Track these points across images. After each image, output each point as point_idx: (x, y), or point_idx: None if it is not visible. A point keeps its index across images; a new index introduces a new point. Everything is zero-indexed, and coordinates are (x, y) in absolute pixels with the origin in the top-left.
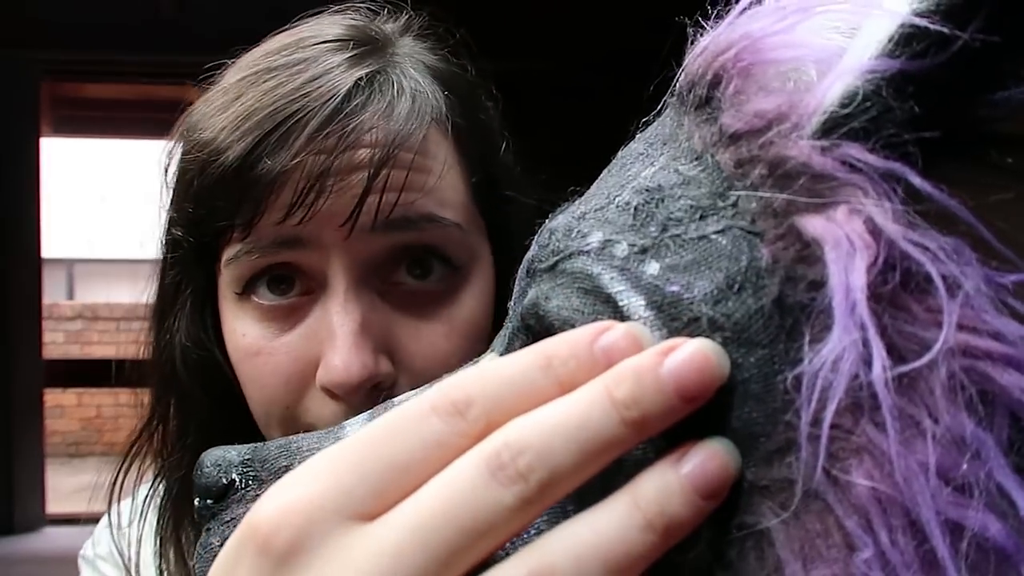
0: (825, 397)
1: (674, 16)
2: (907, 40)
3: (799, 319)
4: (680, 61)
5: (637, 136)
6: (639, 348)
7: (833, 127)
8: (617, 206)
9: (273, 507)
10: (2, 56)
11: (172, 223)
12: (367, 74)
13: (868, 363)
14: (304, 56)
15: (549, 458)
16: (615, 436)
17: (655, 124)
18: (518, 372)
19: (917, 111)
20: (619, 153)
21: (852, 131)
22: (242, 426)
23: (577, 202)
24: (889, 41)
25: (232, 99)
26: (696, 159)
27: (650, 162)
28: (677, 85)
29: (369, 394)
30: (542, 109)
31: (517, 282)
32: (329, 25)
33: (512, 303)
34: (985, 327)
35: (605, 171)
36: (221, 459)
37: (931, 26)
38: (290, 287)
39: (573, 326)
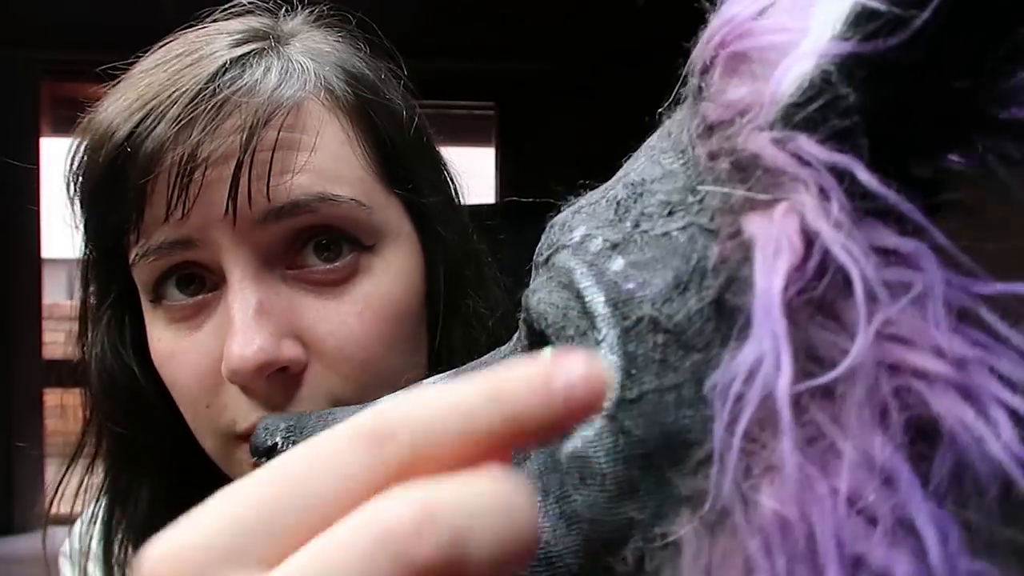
0: (739, 409)
1: (673, 17)
2: (858, 20)
3: (734, 323)
4: (679, 65)
5: (655, 134)
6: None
7: (788, 117)
8: (607, 200)
9: (159, 551)
10: (2, 56)
11: (83, 238)
12: (239, 55)
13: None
14: (198, 43)
15: (467, 538)
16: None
17: (673, 116)
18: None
19: (867, 99)
20: (644, 144)
21: (803, 120)
22: (170, 452)
23: (577, 202)
24: (843, 21)
25: (129, 87)
26: (681, 152)
27: (652, 156)
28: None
29: (277, 381)
30: (542, 109)
31: (532, 274)
32: (231, 23)
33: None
34: (925, 341)
35: (625, 164)
36: (271, 424)
37: (883, 6)
38: (200, 286)
39: (547, 320)
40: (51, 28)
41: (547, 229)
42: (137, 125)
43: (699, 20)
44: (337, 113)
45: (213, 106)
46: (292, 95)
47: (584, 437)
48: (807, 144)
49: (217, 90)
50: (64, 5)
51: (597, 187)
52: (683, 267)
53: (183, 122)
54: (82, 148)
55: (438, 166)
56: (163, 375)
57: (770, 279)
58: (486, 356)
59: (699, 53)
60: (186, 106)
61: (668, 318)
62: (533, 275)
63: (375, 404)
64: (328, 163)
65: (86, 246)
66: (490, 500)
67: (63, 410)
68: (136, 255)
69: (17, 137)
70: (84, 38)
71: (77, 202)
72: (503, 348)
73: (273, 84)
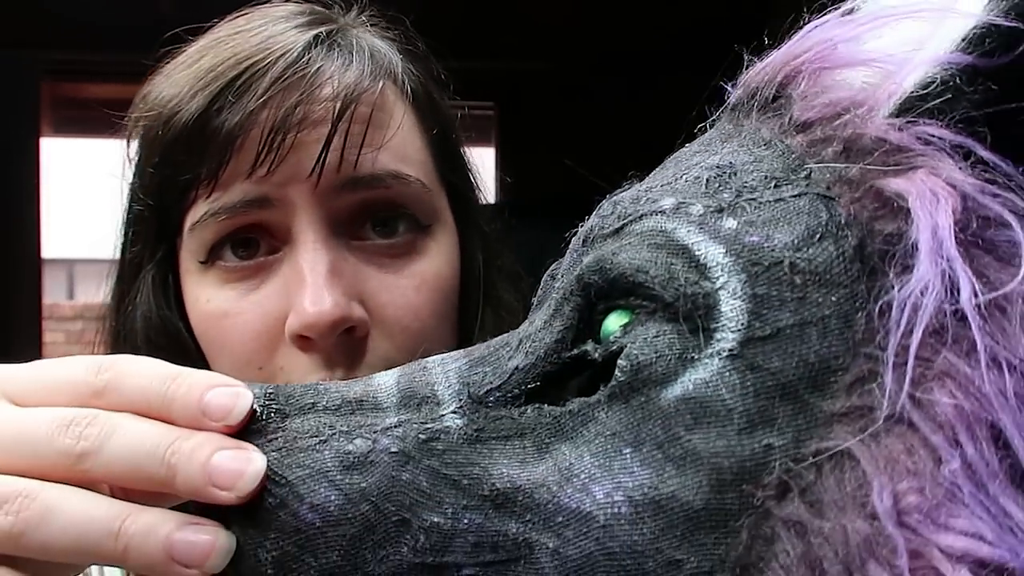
0: (912, 325)
1: (672, 18)
2: (979, 39)
3: (878, 264)
4: (678, 65)
5: (687, 146)
6: (228, 413)
7: (909, 108)
8: (686, 180)
9: None
10: (2, 56)
11: (134, 197)
12: (324, 31)
13: (953, 293)
14: (262, 23)
15: (105, 444)
16: (155, 473)
17: (708, 132)
18: (153, 376)
19: (989, 95)
20: (673, 156)
21: (927, 111)
22: None
23: (633, 184)
24: (963, 40)
25: (192, 63)
26: (765, 145)
27: (712, 152)
28: (734, 98)
29: (344, 342)
30: (542, 109)
31: (567, 255)
32: (285, 7)
33: (558, 275)
34: None
35: (658, 168)
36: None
37: (1002, 23)
38: (255, 250)
39: (647, 273)
40: (51, 28)
41: (602, 209)
42: (227, 86)
43: (698, 21)
44: (405, 99)
45: (310, 73)
46: (377, 76)
47: (695, 380)
48: (932, 129)
49: (312, 60)
50: (64, 5)
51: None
52: (814, 222)
53: (282, 85)
54: (147, 112)
55: (470, 164)
56: (210, 336)
57: (936, 218)
58: (506, 335)
59: (773, 72)
60: (284, 70)
61: (807, 261)
62: (582, 251)
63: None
64: (401, 144)
65: (137, 204)
66: (134, 437)
67: None
68: (205, 213)
69: (17, 137)
70: (84, 38)
71: (134, 161)
72: (525, 327)
73: (362, 62)
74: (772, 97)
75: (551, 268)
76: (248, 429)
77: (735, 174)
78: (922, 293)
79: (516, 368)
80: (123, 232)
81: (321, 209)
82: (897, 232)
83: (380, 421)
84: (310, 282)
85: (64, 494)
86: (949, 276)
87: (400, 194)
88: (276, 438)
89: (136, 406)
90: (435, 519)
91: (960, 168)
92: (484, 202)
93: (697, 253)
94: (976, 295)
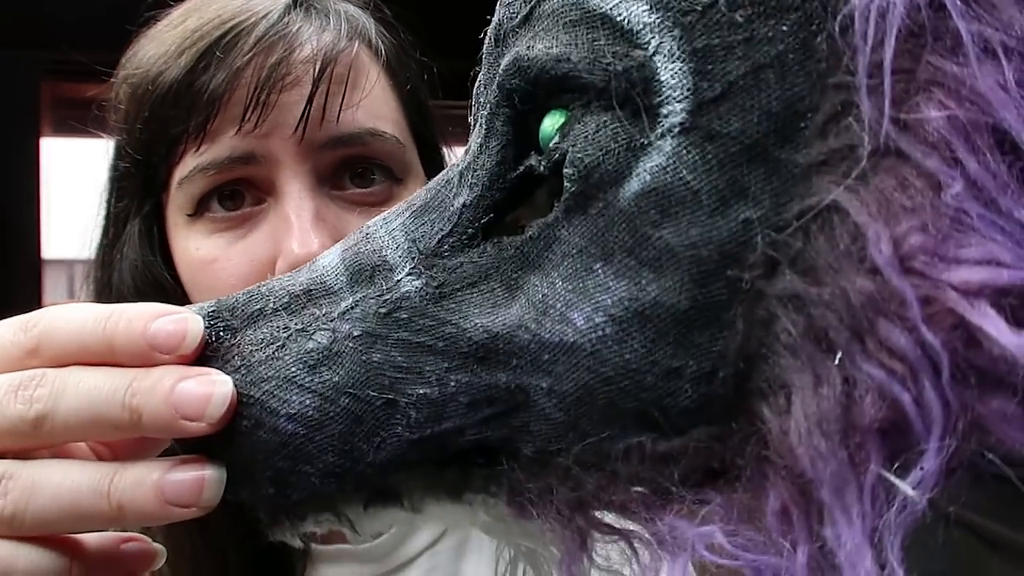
0: (882, 33)
1: None
2: None
3: None
4: None
5: None
6: (180, 342)
7: None
8: None
9: None
10: (3, 56)
11: (120, 154)
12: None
13: None
14: None
15: (59, 402)
16: (117, 419)
17: None
18: (86, 319)
19: None
20: None
21: None
22: None
23: None
24: None
25: (178, 24)
26: None
27: None
28: None
29: None
30: None
31: (483, 64)
32: None
33: (481, 89)
34: None
35: None
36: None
37: None
38: (241, 202)
39: (569, 60)
40: (51, 28)
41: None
42: (212, 44)
43: None
44: (377, 60)
45: (290, 34)
46: (353, 38)
47: (651, 168)
48: None
49: (291, 22)
50: (65, 5)
51: None
52: None
53: (265, 44)
54: (134, 71)
55: (439, 132)
56: (199, 283)
57: None
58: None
59: None
60: (266, 30)
61: None
62: (497, 52)
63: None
64: (377, 103)
65: (123, 161)
66: (89, 381)
67: None
68: (194, 168)
69: (17, 137)
70: (84, 38)
71: (123, 125)
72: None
73: (338, 25)
74: None
75: (479, 79)
76: (202, 356)
77: None
78: None
79: (464, 205)
80: (108, 188)
81: (305, 163)
82: None
83: (335, 307)
84: (297, 227)
85: (44, 468)
86: None
87: (377, 150)
88: (232, 357)
89: (76, 355)
90: (421, 391)
91: None
92: None
93: (619, 19)
94: None
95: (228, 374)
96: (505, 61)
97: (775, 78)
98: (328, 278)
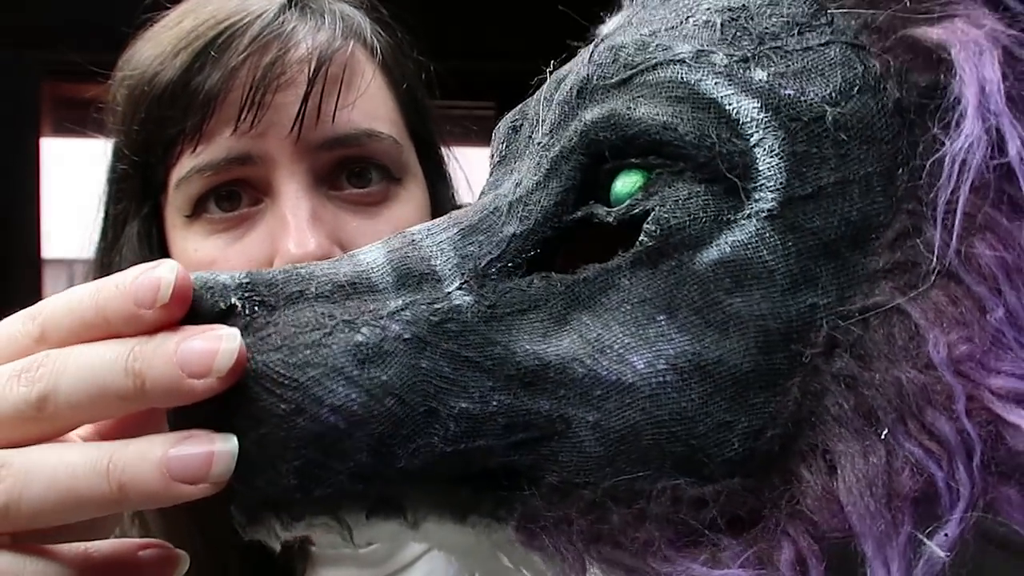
0: (960, 181)
1: None
2: None
3: (917, 118)
4: None
5: None
6: (155, 292)
7: None
8: (695, 25)
9: None
10: (3, 56)
11: (118, 156)
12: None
13: (998, 149)
14: None
15: (61, 378)
16: (122, 387)
17: None
18: (81, 296)
19: None
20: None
21: None
22: None
23: (626, 28)
24: None
25: (174, 25)
26: None
27: None
28: None
29: None
30: None
31: (543, 105)
32: None
33: (522, 125)
34: None
35: (639, 7)
36: (212, 282)
37: None
38: (238, 203)
39: (675, 130)
40: (52, 29)
41: (598, 55)
42: (208, 44)
43: None
44: (373, 60)
45: (285, 33)
46: (348, 38)
47: (733, 242)
48: None
49: (286, 21)
50: (65, 6)
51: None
52: (849, 74)
53: (260, 43)
54: (131, 72)
55: (437, 130)
56: None
57: (982, 71)
58: None
59: None
60: (261, 29)
61: (848, 116)
62: (577, 103)
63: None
64: (373, 103)
65: (121, 163)
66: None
67: None
68: (191, 169)
69: (18, 137)
70: (85, 39)
71: (121, 126)
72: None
73: (333, 24)
74: None
75: (510, 118)
76: (230, 325)
77: (751, 18)
78: (969, 149)
79: (513, 235)
80: (106, 190)
81: (301, 164)
82: (934, 84)
83: (382, 306)
84: (294, 226)
85: (39, 452)
86: (996, 131)
87: (373, 151)
88: (270, 335)
89: (79, 335)
90: (463, 405)
91: (998, 18)
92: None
93: (728, 108)
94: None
95: (268, 353)
96: (594, 114)
97: (859, 193)
98: (373, 275)
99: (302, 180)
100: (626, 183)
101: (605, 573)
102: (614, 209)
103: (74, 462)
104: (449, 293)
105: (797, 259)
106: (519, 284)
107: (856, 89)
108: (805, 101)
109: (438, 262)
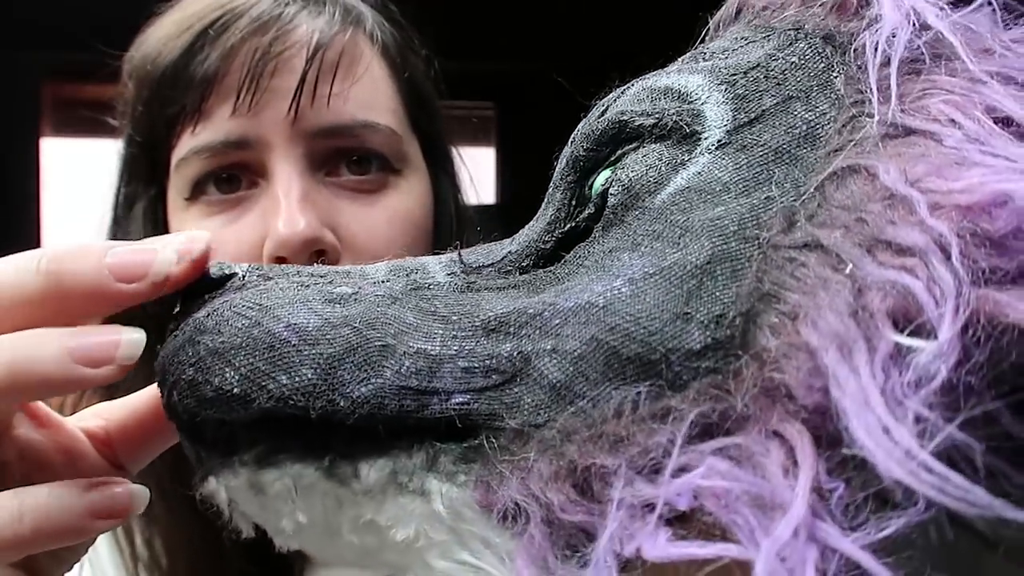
0: (888, 55)
1: (672, 18)
2: None
3: (847, 45)
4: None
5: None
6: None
7: None
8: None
9: None
10: (3, 57)
11: (129, 141)
12: None
13: (920, 31)
14: None
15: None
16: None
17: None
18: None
19: None
20: None
21: None
22: None
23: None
24: None
25: (179, 10)
26: (731, 32)
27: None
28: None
29: (314, 262)
30: (542, 109)
31: (560, 164)
32: None
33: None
34: None
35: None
36: (220, 263)
37: None
38: (237, 185)
39: (633, 111)
40: (52, 29)
41: (585, 118)
42: (209, 25)
43: (699, 22)
44: (377, 52)
45: (286, 15)
46: (348, 26)
47: (687, 175)
48: None
49: (287, 5)
50: (65, 6)
51: None
52: (784, 38)
53: (259, 23)
54: (139, 55)
55: (443, 126)
56: None
57: None
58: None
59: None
60: (261, 12)
61: (784, 59)
62: (567, 151)
63: None
64: (372, 93)
65: (131, 146)
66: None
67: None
68: (190, 150)
69: (18, 137)
70: (85, 39)
71: (128, 110)
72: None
73: (334, 10)
74: (735, 12)
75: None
76: (230, 286)
77: (708, 48)
78: (892, 33)
79: (509, 252)
80: (118, 174)
81: (297, 148)
82: (862, 22)
83: (367, 280)
84: (284, 206)
85: None
86: (914, 14)
87: (370, 141)
88: (257, 286)
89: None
90: (422, 345)
91: None
92: (483, 202)
93: (676, 86)
94: (943, 16)
95: (247, 295)
96: (576, 142)
97: (801, 104)
98: (368, 269)
99: (297, 164)
100: (601, 180)
101: (565, 513)
102: (592, 201)
103: None
104: (433, 275)
105: (749, 168)
106: (505, 277)
107: (789, 43)
108: (744, 60)
109: (431, 262)
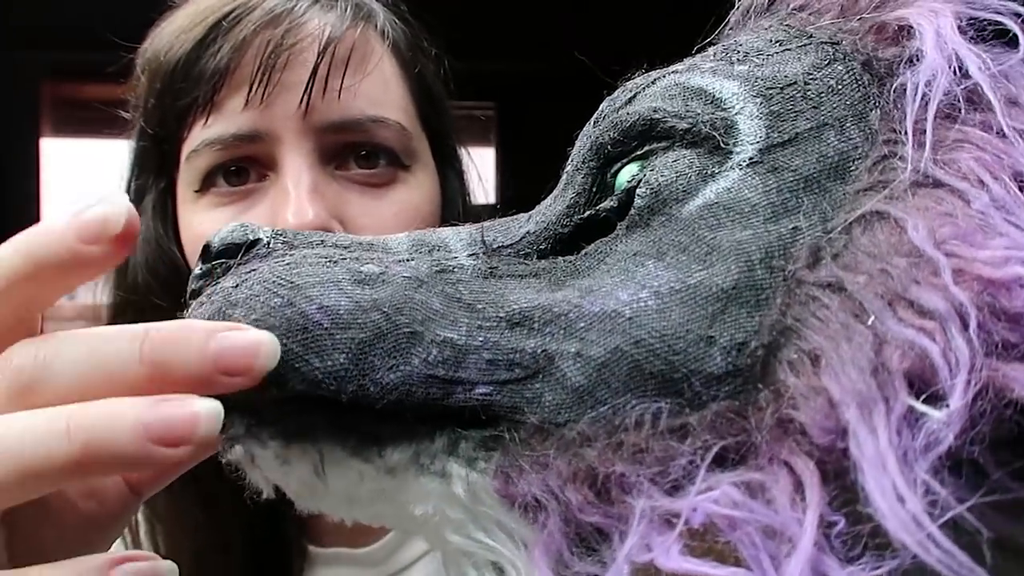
0: (926, 100)
1: (672, 17)
2: None
3: (886, 75)
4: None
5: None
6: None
7: None
8: (693, 58)
9: None
10: (3, 57)
11: (140, 134)
12: None
13: (961, 76)
14: None
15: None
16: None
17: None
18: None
19: None
20: None
21: None
22: None
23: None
24: None
25: (192, 4)
26: (766, 29)
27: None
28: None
29: None
30: (542, 109)
31: (578, 143)
32: None
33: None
34: None
35: None
36: (244, 225)
37: None
38: (246, 178)
39: (664, 110)
40: (52, 29)
41: (609, 98)
42: (222, 18)
43: (699, 21)
44: (388, 48)
45: (299, 9)
46: (358, 18)
47: (717, 189)
48: None
49: (295, 2)
50: (65, 6)
51: None
52: (822, 55)
53: (271, 16)
54: (152, 49)
55: (452, 125)
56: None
57: (939, 20)
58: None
59: None
60: (273, 6)
61: (821, 81)
62: (590, 132)
63: None
64: (381, 89)
65: (142, 140)
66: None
67: None
68: (201, 142)
69: (17, 137)
70: (84, 39)
71: (140, 104)
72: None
73: (346, 6)
74: (767, 3)
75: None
76: (255, 254)
77: (741, 46)
78: (932, 75)
79: (527, 232)
80: (129, 167)
81: (307, 142)
82: (901, 52)
83: (391, 256)
84: (293, 196)
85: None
86: (956, 60)
87: (379, 136)
88: (283, 256)
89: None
90: (448, 334)
91: None
92: (484, 202)
93: (711, 90)
94: (983, 67)
95: (275, 265)
96: (601, 127)
97: (835, 134)
98: (390, 242)
99: (307, 156)
100: (626, 173)
101: (582, 513)
102: (616, 195)
103: (32, 424)
104: (456, 256)
105: (778, 193)
106: (525, 263)
107: (827, 62)
108: (781, 74)
109: (452, 239)
